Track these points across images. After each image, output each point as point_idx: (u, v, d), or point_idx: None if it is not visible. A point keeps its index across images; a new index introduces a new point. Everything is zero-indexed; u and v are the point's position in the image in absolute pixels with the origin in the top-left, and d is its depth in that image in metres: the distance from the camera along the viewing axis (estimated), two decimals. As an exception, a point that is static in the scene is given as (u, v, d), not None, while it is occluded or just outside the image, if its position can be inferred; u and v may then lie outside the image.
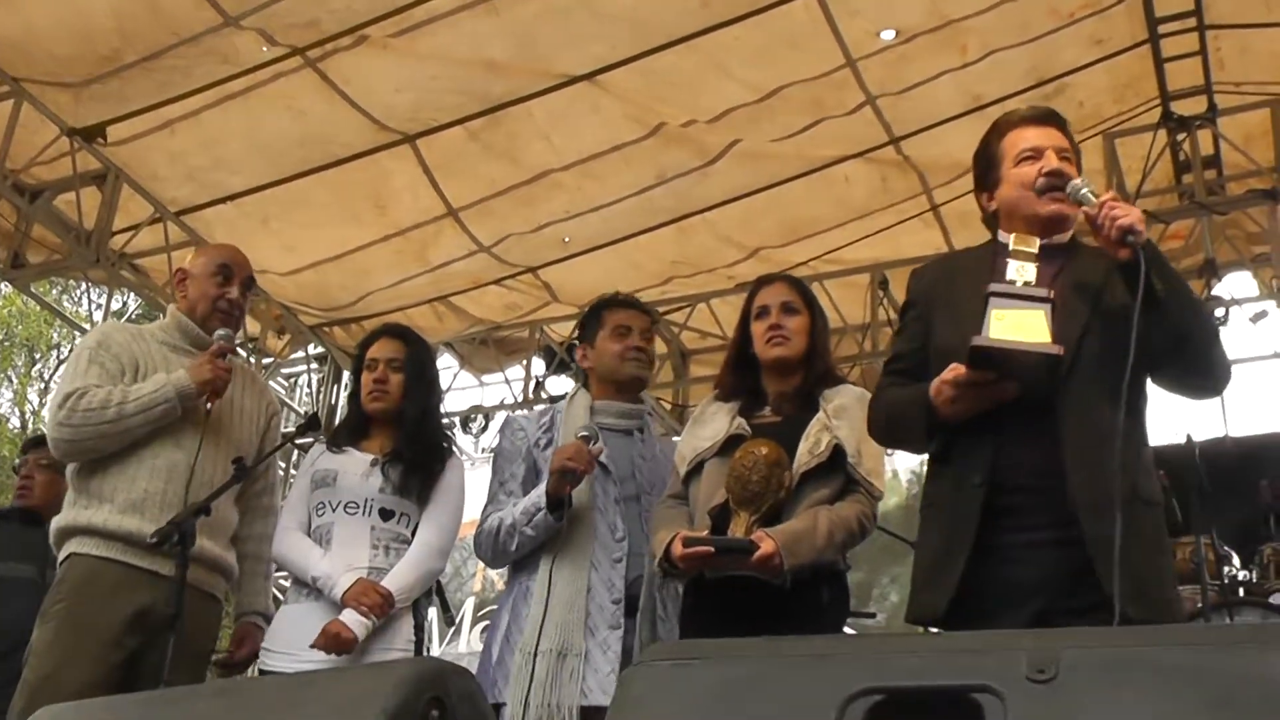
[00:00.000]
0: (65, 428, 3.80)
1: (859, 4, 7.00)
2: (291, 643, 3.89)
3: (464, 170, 7.74)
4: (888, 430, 3.23)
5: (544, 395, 9.54)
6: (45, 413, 14.62)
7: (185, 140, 7.19)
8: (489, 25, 6.69)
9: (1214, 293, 8.13)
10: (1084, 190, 2.88)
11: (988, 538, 2.81)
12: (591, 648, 3.67)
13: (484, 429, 9.98)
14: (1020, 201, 3.03)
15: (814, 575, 3.47)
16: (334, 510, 4.06)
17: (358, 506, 4.05)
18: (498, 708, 3.62)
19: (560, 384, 9.61)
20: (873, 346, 8.89)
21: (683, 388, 9.95)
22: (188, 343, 4.08)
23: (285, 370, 9.91)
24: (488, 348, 9.67)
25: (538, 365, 9.78)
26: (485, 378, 10.02)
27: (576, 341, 4.34)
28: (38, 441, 5.31)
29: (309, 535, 4.07)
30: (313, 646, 3.78)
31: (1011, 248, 2.92)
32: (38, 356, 23.19)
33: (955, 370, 2.83)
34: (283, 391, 9.88)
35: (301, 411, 9.62)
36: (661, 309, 9.13)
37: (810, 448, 3.57)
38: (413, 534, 4.07)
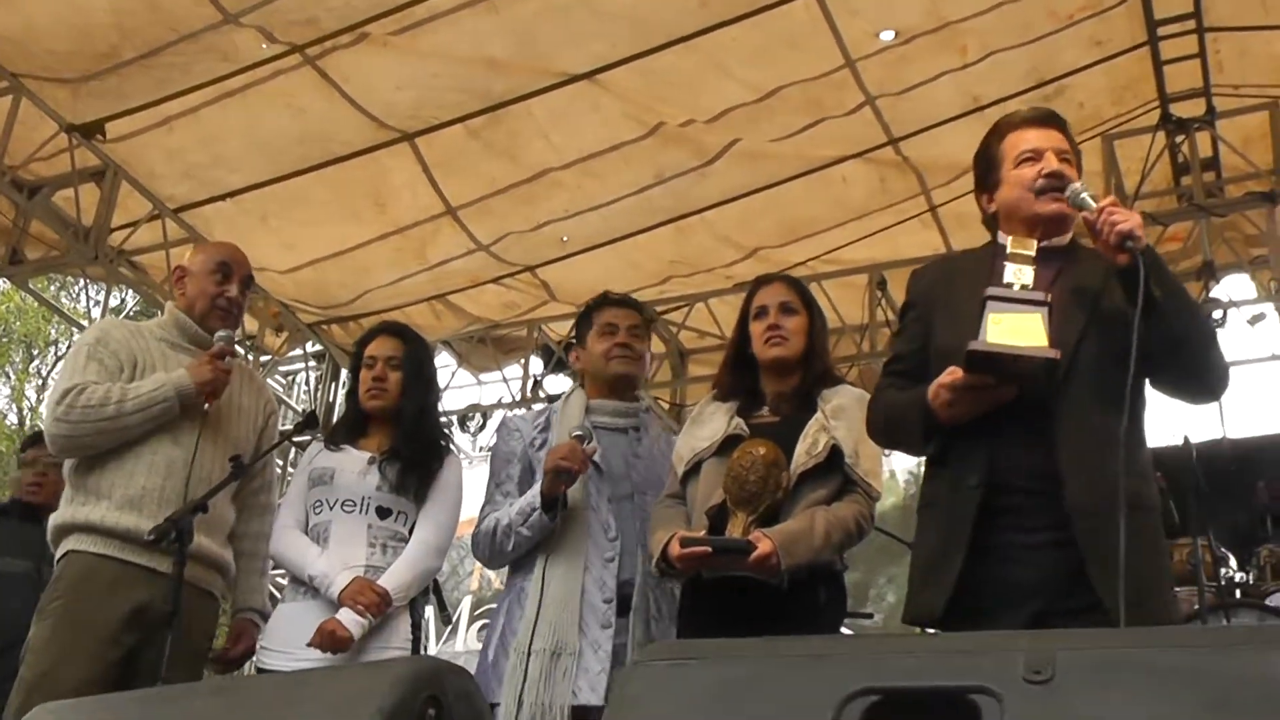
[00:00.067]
0: (63, 424, 3.80)
1: (858, 4, 7.00)
2: (288, 641, 3.89)
3: (463, 169, 7.74)
4: (886, 432, 3.24)
5: (542, 394, 9.55)
6: (43, 409, 14.59)
7: (184, 137, 7.19)
8: (489, 23, 6.68)
9: (1212, 295, 8.13)
10: (1083, 195, 2.88)
11: (984, 539, 2.81)
12: (583, 647, 3.67)
13: (482, 427, 9.98)
14: (1020, 203, 3.03)
15: (811, 575, 3.47)
16: (331, 508, 4.06)
17: (355, 505, 4.05)
18: (494, 708, 3.62)
19: (558, 383, 9.62)
20: (871, 347, 8.88)
21: (681, 387, 9.95)
22: (186, 340, 4.08)
23: (283, 368, 9.90)
24: (486, 346, 9.67)
25: (536, 364, 9.79)
26: (483, 376, 10.01)
27: (573, 342, 4.34)
28: (40, 438, 5.31)
29: (306, 533, 4.08)
30: (309, 645, 3.78)
31: (1009, 250, 2.92)
32: (35, 353, 23.18)
33: (953, 374, 2.83)
34: (280, 389, 9.87)
35: (299, 409, 9.61)
36: (660, 308, 9.13)
37: (808, 448, 3.57)
38: (410, 532, 4.07)
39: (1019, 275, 2.86)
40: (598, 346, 4.12)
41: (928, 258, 7.78)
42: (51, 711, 2.14)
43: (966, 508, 2.84)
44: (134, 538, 3.71)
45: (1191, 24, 7.62)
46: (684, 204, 8.38)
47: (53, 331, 22.59)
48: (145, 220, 7.69)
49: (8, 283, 10.53)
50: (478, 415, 10.04)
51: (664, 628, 3.77)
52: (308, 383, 9.90)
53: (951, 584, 2.81)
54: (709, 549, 3.42)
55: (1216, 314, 8.04)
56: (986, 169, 3.16)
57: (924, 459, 3.16)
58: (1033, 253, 2.89)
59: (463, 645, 12.79)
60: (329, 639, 3.78)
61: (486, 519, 3.95)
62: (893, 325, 8.51)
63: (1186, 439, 6.54)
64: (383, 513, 4.05)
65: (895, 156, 8.23)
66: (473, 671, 3.30)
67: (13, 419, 22.61)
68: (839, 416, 3.62)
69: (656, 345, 9.10)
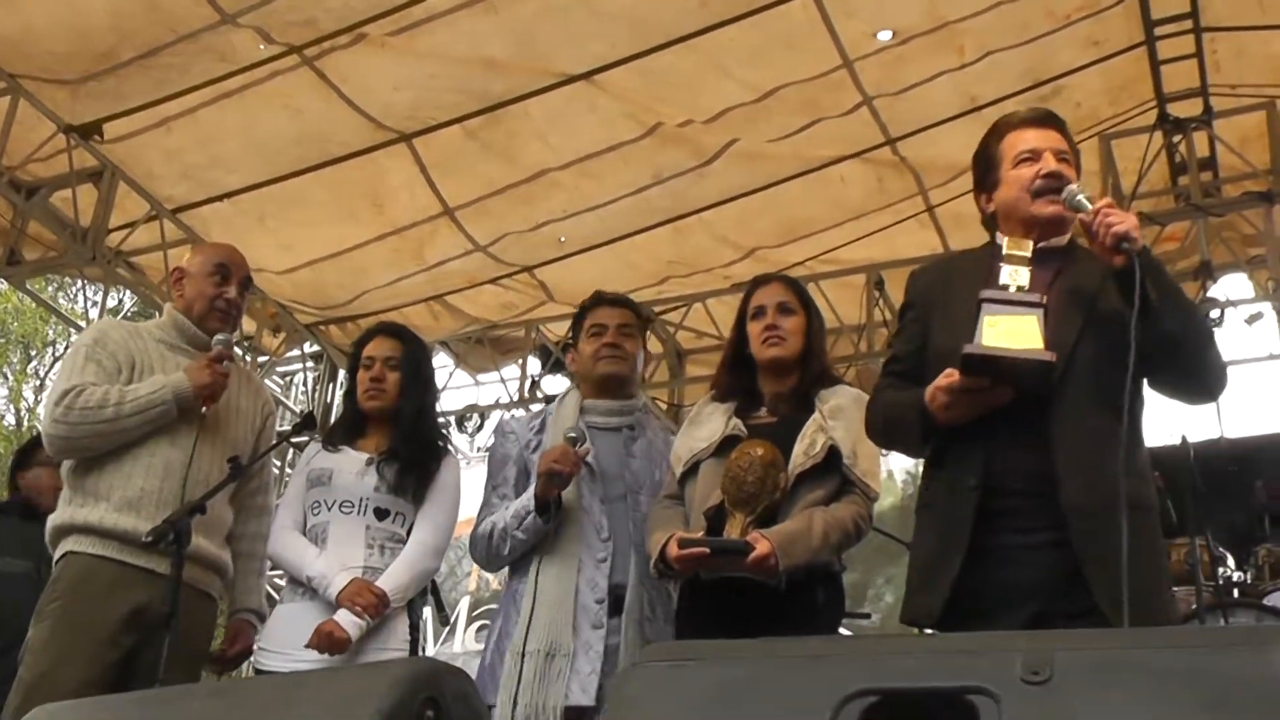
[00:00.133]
0: (61, 425, 3.80)
1: (856, 5, 7.00)
2: (286, 642, 3.89)
3: (461, 169, 7.74)
4: (885, 433, 3.24)
5: (539, 394, 9.55)
6: (41, 410, 14.58)
7: (182, 138, 7.19)
8: (487, 24, 6.68)
9: (1209, 294, 8.13)
10: (1079, 196, 2.89)
11: (982, 540, 2.81)
12: (575, 648, 3.67)
13: (479, 428, 9.97)
14: (1018, 203, 3.03)
15: (809, 576, 3.47)
16: (329, 509, 4.06)
17: (353, 506, 4.05)
18: (491, 709, 3.62)
19: (556, 383, 9.62)
20: (868, 347, 8.88)
21: (678, 387, 9.96)
22: (185, 341, 4.08)
23: (281, 368, 9.89)
24: (483, 347, 9.67)
25: (533, 364, 9.79)
26: (481, 377, 10.01)
27: (570, 343, 4.34)
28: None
29: (304, 534, 4.08)
30: (307, 646, 3.78)
31: (1004, 251, 2.92)
32: (33, 354, 23.16)
33: (949, 376, 2.83)
34: (278, 390, 9.86)
35: (297, 410, 9.62)
36: (657, 309, 9.14)
37: (806, 449, 3.57)
38: (408, 533, 4.07)
39: (1015, 276, 2.86)
40: (587, 348, 4.13)
41: (925, 258, 7.80)
42: (50, 713, 2.14)
43: (964, 509, 2.84)
44: (132, 539, 3.70)
45: (1188, 24, 7.63)
46: (682, 204, 8.38)
47: (50, 332, 22.57)
48: (143, 221, 7.69)
49: (5, 283, 10.51)
50: (475, 416, 10.03)
51: (658, 628, 3.76)
52: (305, 383, 9.89)
53: (949, 585, 2.81)
54: (707, 550, 3.42)
55: (1214, 314, 8.03)
56: (985, 169, 3.16)
57: (922, 460, 3.16)
58: (1028, 253, 2.89)
59: (461, 646, 12.80)
60: (327, 640, 3.78)
61: (483, 523, 3.95)
62: (890, 325, 8.52)
63: (1184, 439, 6.55)
64: (381, 514, 4.05)
65: (893, 157, 8.24)
66: (473, 673, 3.31)
67: (10, 420, 22.61)
68: (837, 417, 3.62)
69: (654, 346, 9.12)
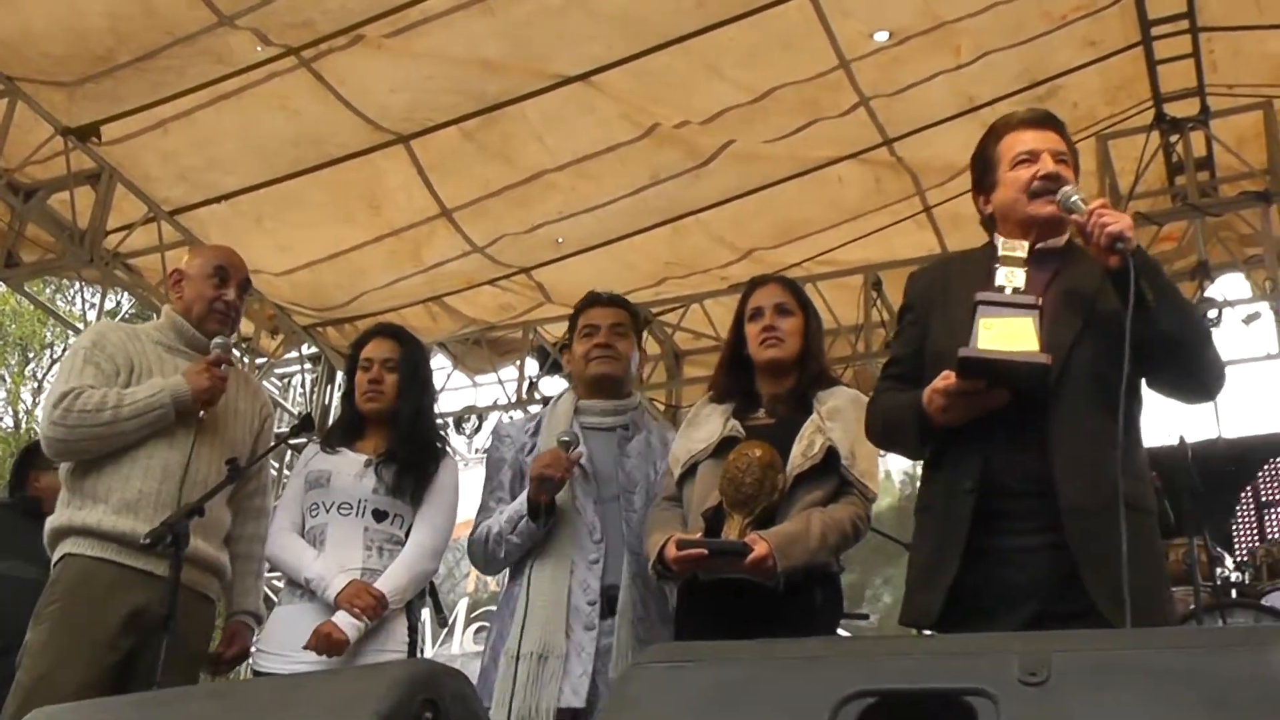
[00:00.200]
0: (60, 427, 3.79)
1: (852, 5, 7.00)
2: (285, 644, 3.90)
3: (458, 170, 7.74)
4: (883, 435, 3.24)
5: (537, 396, 9.54)
6: (39, 412, 14.57)
7: (179, 140, 7.19)
8: (484, 25, 6.68)
9: (1207, 294, 8.13)
10: (1074, 199, 2.89)
11: (980, 542, 2.82)
12: (568, 649, 3.68)
13: (477, 429, 9.96)
14: (1016, 205, 3.03)
15: (807, 577, 3.48)
16: (328, 511, 4.06)
17: (351, 507, 4.05)
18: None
19: (553, 384, 9.60)
20: (866, 348, 8.88)
21: (676, 389, 9.96)
22: (183, 344, 4.07)
23: (279, 370, 9.89)
24: (481, 348, 9.67)
25: (531, 366, 9.78)
26: (479, 378, 10.01)
27: (567, 344, 4.34)
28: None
29: (303, 536, 4.08)
30: (305, 648, 3.78)
31: (1000, 253, 2.92)
32: (31, 356, 23.13)
33: (946, 379, 2.84)
34: (276, 391, 9.87)
35: (295, 412, 9.61)
36: (655, 310, 9.14)
37: (804, 450, 3.57)
38: (406, 535, 4.07)
39: (1010, 278, 2.87)
40: (580, 348, 4.14)
41: (922, 258, 7.81)
42: (48, 715, 2.14)
43: (962, 512, 2.85)
44: (131, 541, 3.69)
45: (1185, 24, 7.63)
46: (679, 205, 8.38)
47: (48, 334, 22.54)
48: (140, 223, 7.69)
49: (3, 286, 10.51)
50: (473, 417, 10.02)
51: (652, 628, 3.76)
52: (303, 385, 9.89)
53: (947, 587, 2.81)
54: (705, 551, 3.42)
55: (1211, 313, 8.04)
56: (983, 171, 3.17)
57: (921, 462, 3.17)
58: (1024, 255, 2.89)
59: (459, 648, 12.78)
60: (325, 642, 3.78)
61: (479, 527, 3.96)
62: (888, 326, 8.53)
63: (1182, 439, 6.55)
64: (379, 515, 4.06)
65: (890, 157, 8.24)
66: (472, 676, 3.31)
67: (8, 422, 22.60)
68: (835, 418, 3.63)
69: (652, 347, 9.13)
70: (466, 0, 6.52)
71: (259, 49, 6.65)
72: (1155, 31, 7.69)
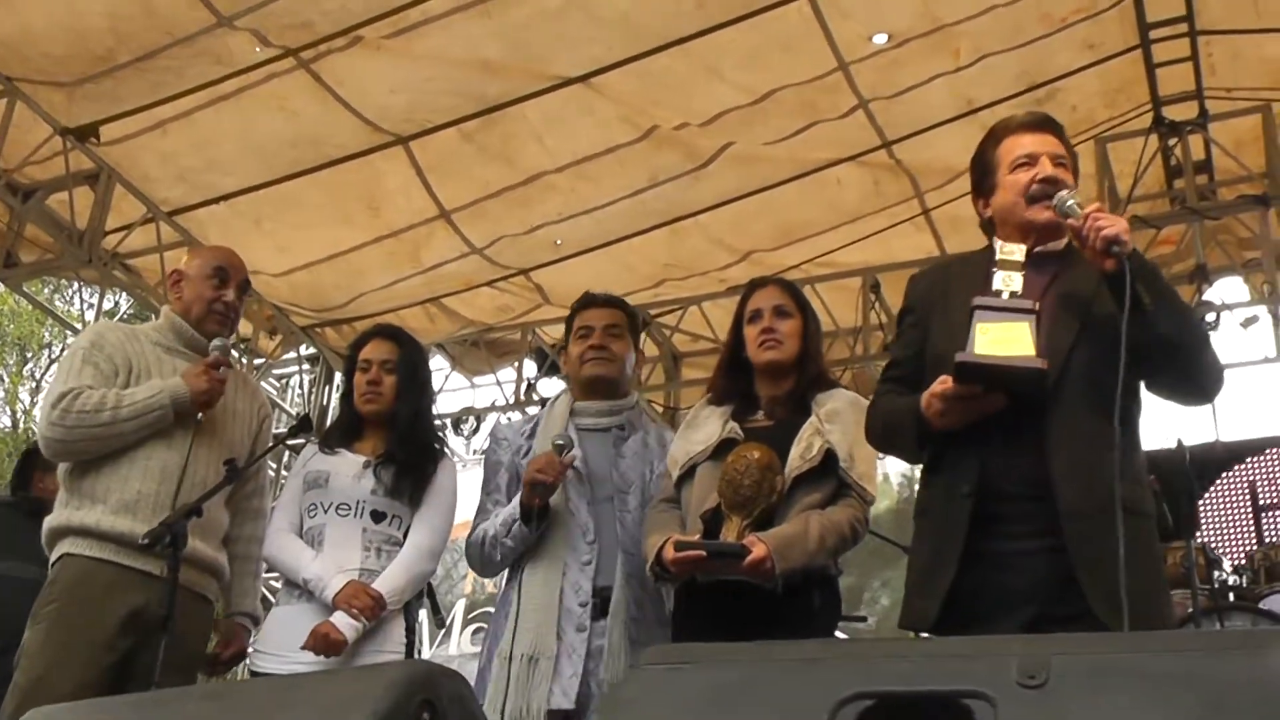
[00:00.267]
0: (58, 428, 3.79)
1: (851, 7, 7.01)
2: (282, 644, 3.89)
3: (457, 172, 7.74)
4: (883, 439, 3.25)
5: (535, 397, 9.54)
6: (37, 412, 14.55)
7: (178, 140, 7.19)
8: (483, 27, 6.68)
9: (1205, 298, 8.14)
10: (1070, 203, 2.89)
11: (978, 545, 2.82)
12: (559, 651, 3.68)
13: (475, 431, 9.97)
14: (1014, 208, 3.04)
15: (805, 580, 3.47)
16: (326, 512, 4.06)
17: (349, 508, 4.05)
18: (485, 713, 3.62)
19: (552, 386, 9.61)
20: (864, 350, 8.90)
21: (674, 390, 9.96)
22: (182, 344, 4.07)
23: (277, 371, 9.90)
24: (479, 349, 9.68)
25: (529, 367, 9.78)
26: (477, 379, 10.02)
27: (565, 345, 4.34)
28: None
29: (301, 536, 4.08)
30: (303, 648, 3.78)
31: (997, 257, 2.93)
32: (29, 356, 23.12)
33: (944, 383, 2.84)
34: (274, 392, 9.87)
35: (293, 413, 9.61)
36: (653, 311, 9.15)
37: (802, 452, 3.57)
38: (404, 536, 4.07)
39: (1008, 282, 2.87)
40: (575, 349, 4.14)
41: (921, 261, 7.82)
42: (45, 715, 2.14)
43: (960, 515, 2.85)
44: (129, 542, 3.68)
45: (1184, 27, 7.64)
46: (677, 207, 8.38)
47: (47, 334, 22.52)
48: (139, 223, 7.70)
49: (2, 286, 10.50)
50: (471, 418, 10.03)
51: (647, 629, 3.75)
52: (301, 386, 9.89)
53: (945, 591, 2.81)
54: (703, 553, 3.42)
55: (1209, 317, 8.05)
56: (982, 174, 3.17)
57: (920, 466, 3.17)
58: (1022, 259, 2.90)
59: (456, 649, 12.78)
60: (323, 642, 3.78)
61: (477, 530, 3.97)
62: (886, 328, 8.54)
63: (1180, 441, 6.55)
64: (377, 516, 4.05)
65: (888, 160, 8.24)
66: (470, 677, 3.31)
67: (6, 421, 22.59)
68: (833, 420, 3.63)
69: (650, 349, 9.13)
70: (466, 2, 6.53)
71: (258, 50, 6.65)
72: (1154, 35, 7.70)
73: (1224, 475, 8.85)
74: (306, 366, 9.75)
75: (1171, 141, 8.15)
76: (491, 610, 4.12)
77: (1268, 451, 9.31)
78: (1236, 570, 7.78)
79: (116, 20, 6.33)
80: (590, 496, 3.90)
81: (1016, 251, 2.91)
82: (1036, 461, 2.82)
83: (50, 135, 7.02)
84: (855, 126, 7.85)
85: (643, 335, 7.58)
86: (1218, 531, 9.17)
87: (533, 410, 7.37)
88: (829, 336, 7.87)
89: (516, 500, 3.83)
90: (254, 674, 3.97)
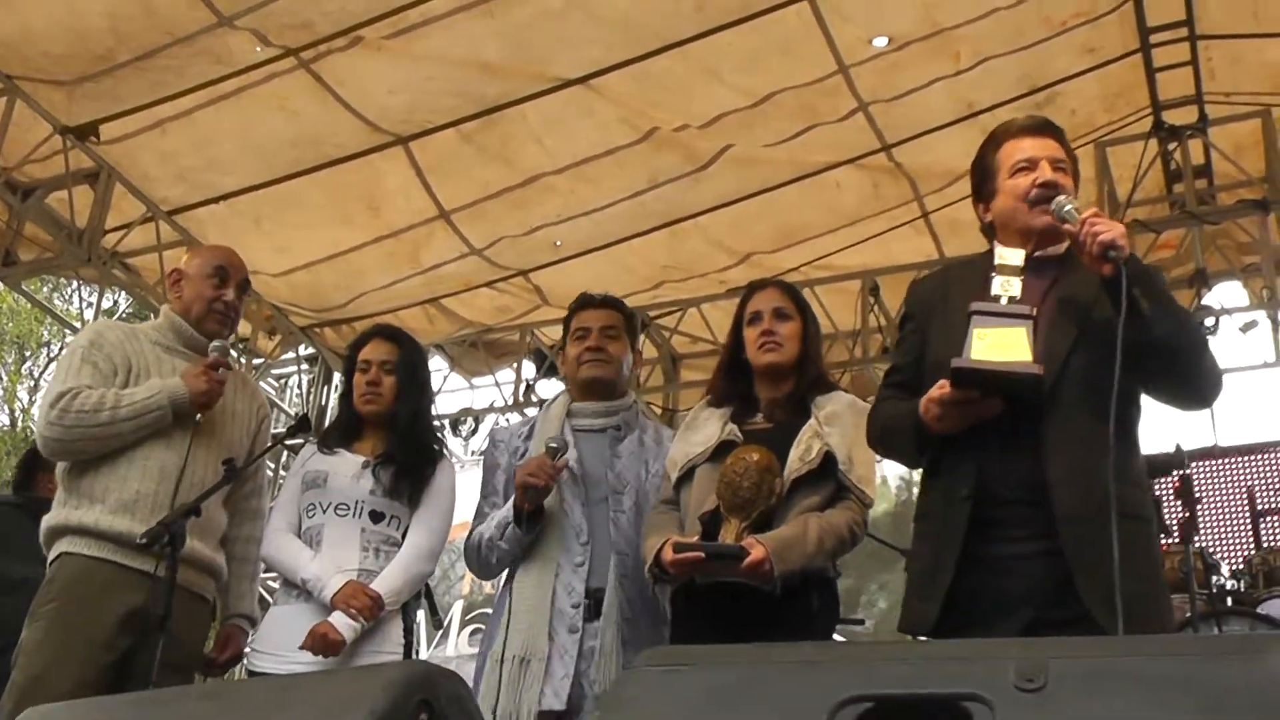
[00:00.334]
0: (56, 427, 3.78)
1: (852, 10, 7.01)
2: (280, 644, 3.89)
3: (457, 172, 7.74)
4: (883, 443, 3.25)
5: (534, 398, 9.55)
6: (35, 411, 14.54)
7: (178, 140, 7.19)
8: (483, 27, 6.69)
9: (1204, 302, 8.14)
10: (1068, 208, 2.89)
11: (976, 549, 2.82)
12: (551, 652, 3.68)
13: (474, 431, 9.97)
14: (1015, 213, 3.04)
15: (804, 582, 3.48)
16: (324, 512, 4.06)
17: (348, 508, 4.04)
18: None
19: (550, 387, 9.61)
20: (863, 352, 8.90)
21: (673, 392, 9.96)
22: (181, 344, 4.06)
23: (276, 371, 9.90)
24: (478, 350, 9.68)
25: (528, 368, 9.79)
26: (475, 380, 10.03)
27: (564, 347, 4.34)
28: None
29: (299, 536, 4.07)
30: (301, 648, 3.78)
31: (996, 262, 2.93)
32: (28, 354, 23.12)
33: (941, 388, 2.84)
34: (273, 392, 9.88)
35: (292, 413, 9.61)
36: (652, 313, 9.15)
37: (801, 454, 3.57)
38: (403, 536, 4.07)
39: (1006, 287, 2.87)
40: (572, 351, 4.14)
41: (920, 264, 7.83)
42: (43, 714, 2.14)
43: (958, 519, 2.86)
44: (127, 541, 3.68)
45: (1184, 31, 7.64)
46: (677, 209, 8.39)
47: (45, 333, 22.53)
48: (139, 222, 7.70)
49: (1, 284, 10.50)
50: (470, 419, 10.04)
51: (641, 631, 3.74)
52: (300, 386, 9.90)
53: (943, 594, 2.82)
54: (702, 554, 3.42)
55: (1209, 321, 8.06)
56: (982, 178, 3.17)
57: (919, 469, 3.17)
58: (1020, 263, 2.90)
59: (454, 650, 12.77)
60: (321, 642, 3.77)
61: (474, 532, 3.97)
62: (885, 331, 8.55)
63: (1179, 446, 6.56)
64: (376, 517, 4.05)
65: (888, 162, 8.24)
66: (468, 678, 3.30)
67: (4, 420, 22.58)
68: (833, 423, 3.63)
69: (649, 351, 9.13)
70: (466, 2, 6.53)
71: (258, 49, 6.65)
72: (1154, 39, 7.70)
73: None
74: (305, 367, 9.76)
75: (1171, 146, 8.15)
76: (489, 611, 4.12)
77: (1265, 456, 9.32)
78: (1234, 575, 7.78)
79: (116, 20, 6.33)
80: (585, 498, 3.90)
81: (1015, 256, 2.91)
82: (1034, 466, 2.82)
83: (50, 134, 7.03)
84: (855, 129, 7.86)
85: (642, 337, 7.58)
86: (1216, 536, 9.19)
87: (531, 412, 7.38)
88: (828, 339, 7.87)
89: (510, 503, 3.83)
90: (251, 673, 3.97)
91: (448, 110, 7.30)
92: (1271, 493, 9.22)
